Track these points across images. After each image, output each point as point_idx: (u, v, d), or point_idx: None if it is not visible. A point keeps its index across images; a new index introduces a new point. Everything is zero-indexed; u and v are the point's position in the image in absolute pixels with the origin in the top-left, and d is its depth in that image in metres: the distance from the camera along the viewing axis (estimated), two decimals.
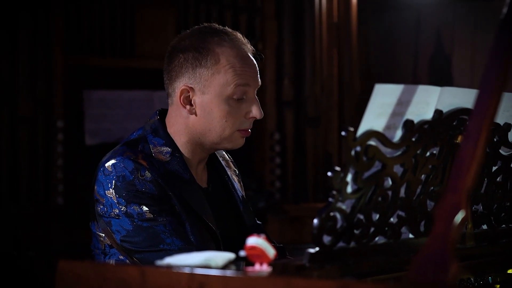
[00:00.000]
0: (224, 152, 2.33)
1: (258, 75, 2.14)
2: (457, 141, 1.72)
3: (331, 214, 1.51)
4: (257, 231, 2.04)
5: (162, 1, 5.05)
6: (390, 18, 5.68)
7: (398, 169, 1.61)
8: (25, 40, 4.57)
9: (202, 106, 2.09)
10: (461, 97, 1.73)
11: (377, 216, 1.59)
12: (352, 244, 1.55)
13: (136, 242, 1.99)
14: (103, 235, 2.05)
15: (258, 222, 2.28)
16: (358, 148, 1.52)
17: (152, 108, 4.93)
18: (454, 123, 1.72)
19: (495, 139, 1.85)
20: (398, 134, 1.60)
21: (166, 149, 2.10)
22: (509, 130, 1.87)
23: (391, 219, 1.63)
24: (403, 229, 1.66)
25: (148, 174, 2.02)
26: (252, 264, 1.47)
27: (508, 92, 1.79)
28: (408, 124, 1.61)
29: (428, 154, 1.67)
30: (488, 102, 1.34)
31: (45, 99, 4.65)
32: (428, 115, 1.66)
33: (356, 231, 1.55)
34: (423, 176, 1.68)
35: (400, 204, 1.64)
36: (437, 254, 1.28)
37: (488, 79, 1.35)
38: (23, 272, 4.35)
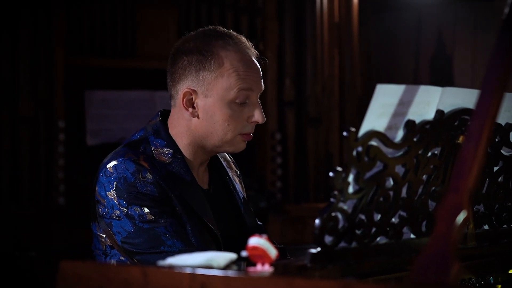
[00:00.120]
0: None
1: (262, 80, 2.14)
2: (459, 141, 1.72)
3: (333, 214, 1.51)
4: (258, 232, 2.04)
5: (163, 1, 5.04)
6: (391, 18, 5.68)
7: (399, 169, 1.61)
8: (26, 40, 4.56)
9: (205, 109, 2.09)
10: (462, 97, 1.73)
11: (379, 216, 1.59)
12: (354, 244, 1.55)
13: (136, 243, 1.99)
14: (104, 236, 2.05)
15: (259, 223, 2.28)
16: (360, 148, 1.52)
17: (153, 108, 4.93)
18: (456, 123, 1.72)
19: (496, 139, 1.85)
20: (399, 134, 1.60)
21: (168, 150, 2.10)
22: (511, 130, 1.87)
23: (393, 219, 1.63)
24: (405, 229, 1.67)
25: (149, 175, 2.02)
26: (254, 264, 1.47)
27: (510, 93, 1.79)
28: (410, 124, 1.61)
29: (429, 154, 1.67)
30: (489, 103, 1.34)
31: (46, 99, 4.65)
32: (430, 115, 1.66)
33: (357, 231, 1.55)
34: (424, 176, 1.68)
35: (402, 204, 1.64)
36: (438, 254, 1.28)
37: (490, 79, 1.35)
38: (24, 272, 4.35)
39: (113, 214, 2.01)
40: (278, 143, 5.34)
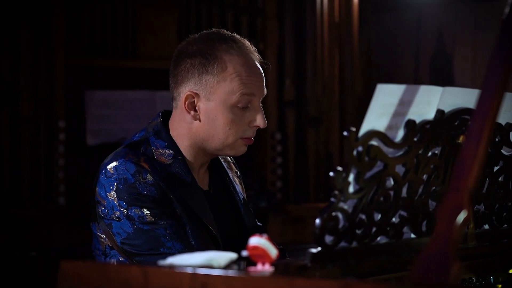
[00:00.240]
0: None
1: (264, 84, 2.14)
2: (459, 141, 1.72)
3: (333, 214, 1.51)
4: (258, 233, 2.04)
5: (163, 2, 5.05)
6: (391, 18, 5.68)
7: (400, 169, 1.62)
8: (26, 40, 4.57)
9: (207, 112, 2.09)
10: (462, 97, 1.73)
11: (379, 216, 1.59)
12: (354, 244, 1.55)
13: (136, 245, 1.99)
14: (104, 236, 2.05)
15: (259, 224, 2.28)
16: (360, 148, 1.52)
17: (153, 108, 4.94)
18: (456, 123, 1.72)
19: (497, 139, 1.85)
20: (400, 134, 1.60)
21: (168, 151, 2.10)
22: (511, 130, 1.87)
23: (393, 219, 1.63)
24: (405, 229, 1.67)
25: (149, 177, 2.02)
26: (254, 264, 1.47)
27: (510, 92, 1.79)
28: (410, 124, 1.61)
29: (430, 154, 1.67)
30: (490, 102, 1.34)
31: (46, 99, 4.65)
32: (430, 115, 1.66)
33: (358, 231, 1.55)
34: (425, 176, 1.68)
35: (402, 204, 1.64)
36: (439, 254, 1.28)
37: (490, 79, 1.35)
38: (25, 272, 4.35)
39: (113, 215, 2.01)
40: (278, 143, 5.34)
